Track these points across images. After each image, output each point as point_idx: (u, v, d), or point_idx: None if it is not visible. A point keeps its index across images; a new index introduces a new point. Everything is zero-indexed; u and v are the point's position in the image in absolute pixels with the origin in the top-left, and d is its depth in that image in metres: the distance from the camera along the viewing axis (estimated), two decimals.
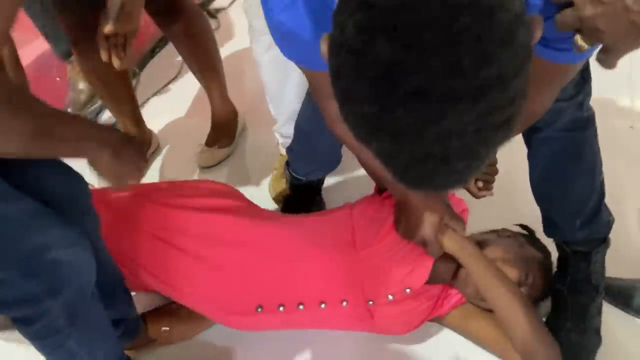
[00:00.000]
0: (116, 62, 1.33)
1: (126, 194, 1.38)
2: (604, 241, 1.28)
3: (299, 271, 1.27)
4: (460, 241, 1.22)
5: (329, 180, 1.74)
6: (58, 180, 1.00)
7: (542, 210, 1.32)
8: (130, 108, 1.88)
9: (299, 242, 1.30)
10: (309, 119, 1.44)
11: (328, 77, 0.57)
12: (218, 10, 2.59)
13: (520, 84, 0.52)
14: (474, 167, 0.57)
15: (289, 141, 1.73)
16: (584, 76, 1.15)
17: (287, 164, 1.63)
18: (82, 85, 2.06)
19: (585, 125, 1.21)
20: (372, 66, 0.51)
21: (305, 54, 0.85)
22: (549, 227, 1.31)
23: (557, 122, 1.18)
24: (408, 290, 1.24)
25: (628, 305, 1.35)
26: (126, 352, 1.34)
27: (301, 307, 1.26)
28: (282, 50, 0.92)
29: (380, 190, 1.40)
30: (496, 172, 1.34)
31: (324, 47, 0.58)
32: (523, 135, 1.26)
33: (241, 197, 1.47)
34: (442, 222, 1.20)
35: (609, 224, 1.28)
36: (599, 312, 1.30)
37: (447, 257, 1.24)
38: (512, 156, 1.27)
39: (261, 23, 1.52)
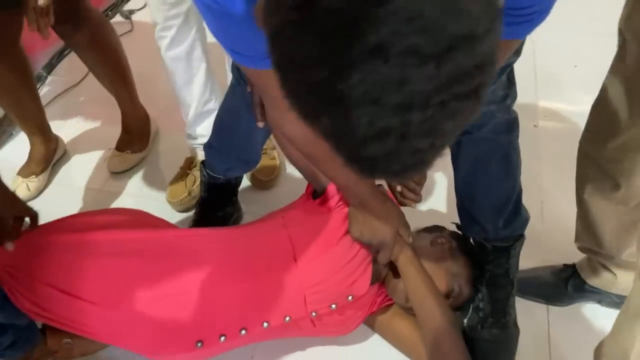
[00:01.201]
0: (45, 33, 1.33)
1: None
2: (522, 236, 1.31)
3: (238, 295, 1.19)
4: (404, 248, 1.21)
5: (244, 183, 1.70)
6: None
7: (463, 211, 1.32)
8: (35, 114, 1.78)
9: (234, 263, 1.21)
10: (230, 111, 1.38)
11: (273, 76, 0.50)
12: (132, 12, 2.50)
13: (489, 48, 0.46)
14: (439, 147, 0.50)
15: (197, 142, 1.69)
16: (510, 78, 1.17)
17: (203, 164, 1.56)
18: None
19: (511, 127, 1.23)
20: (321, 20, 0.44)
21: (242, 41, 0.75)
22: (471, 226, 1.31)
23: (487, 125, 1.19)
24: (350, 297, 1.22)
25: (535, 294, 1.41)
26: None
27: (243, 332, 1.19)
28: (219, 40, 0.80)
29: (314, 194, 1.34)
30: (424, 179, 1.32)
31: (258, 15, 0.50)
32: None
33: (149, 220, 1.35)
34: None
35: (527, 220, 1.30)
36: (514, 304, 1.32)
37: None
38: None
39: (162, 17, 1.49)
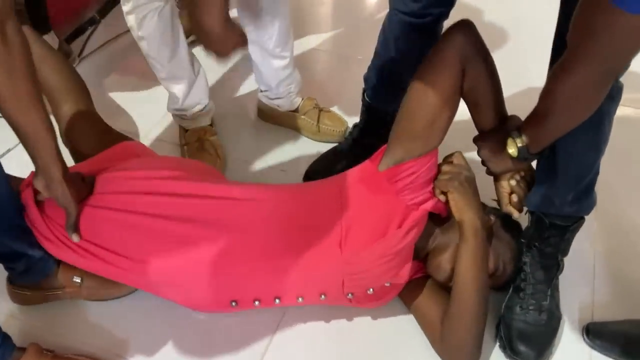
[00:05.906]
0: None
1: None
2: (582, 218, 1.23)
3: (278, 268, 1.18)
4: (477, 225, 1.15)
5: None
6: None
7: (537, 181, 1.22)
8: None
9: (278, 235, 1.19)
10: None
11: None
12: None
13: None
14: None
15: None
16: None
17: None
18: None
19: (613, 95, 1.11)
20: None
21: None
22: (538, 198, 1.21)
23: None
24: (388, 284, 1.22)
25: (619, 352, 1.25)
26: (32, 293, 1.27)
27: (277, 301, 1.21)
28: None
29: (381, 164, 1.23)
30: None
31: None
32: None
33: (200, 177, 1.30)
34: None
35: (593, 204, 1.22)
36: (558, 287, 1.27)
37: (424, 235, 1.21)
38: None
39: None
